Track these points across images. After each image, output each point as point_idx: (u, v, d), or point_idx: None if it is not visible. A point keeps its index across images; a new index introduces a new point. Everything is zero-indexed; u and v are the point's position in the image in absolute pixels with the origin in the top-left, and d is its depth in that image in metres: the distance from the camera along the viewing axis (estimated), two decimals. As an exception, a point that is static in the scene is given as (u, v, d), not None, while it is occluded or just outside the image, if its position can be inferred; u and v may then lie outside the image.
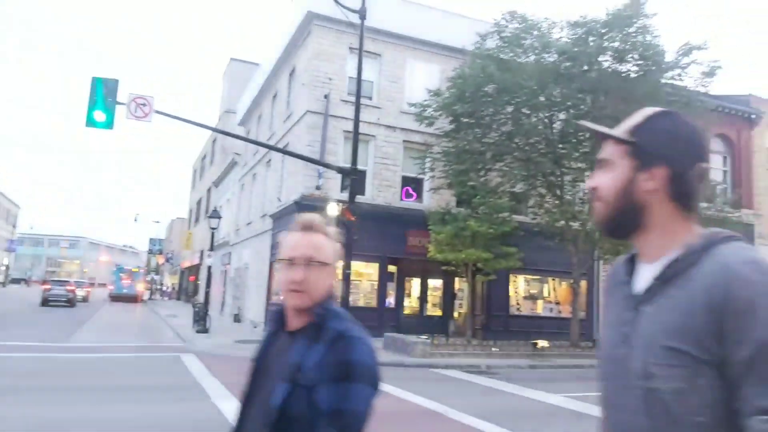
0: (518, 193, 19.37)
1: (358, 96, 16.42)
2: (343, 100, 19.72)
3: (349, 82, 19.88)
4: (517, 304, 21.96)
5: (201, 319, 20.26)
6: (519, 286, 22.14)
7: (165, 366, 12.83)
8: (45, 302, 33.56)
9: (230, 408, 8.08)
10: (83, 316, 26.87)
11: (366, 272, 20.40)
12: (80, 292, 39.44)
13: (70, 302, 34.33)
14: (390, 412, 8.57)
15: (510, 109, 17.12)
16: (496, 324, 20.37)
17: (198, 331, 19.81)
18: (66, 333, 18.48)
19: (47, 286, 35.70)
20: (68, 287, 35.34)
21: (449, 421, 8.23)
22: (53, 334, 17.45)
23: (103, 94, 13.07)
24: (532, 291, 22.48)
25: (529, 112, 17.04)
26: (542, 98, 16.49)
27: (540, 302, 22.27)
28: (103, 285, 60.87)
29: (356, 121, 16.29)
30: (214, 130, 20.61)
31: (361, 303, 19.94)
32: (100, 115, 13.10)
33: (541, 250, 19.37)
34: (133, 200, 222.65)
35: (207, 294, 22.44)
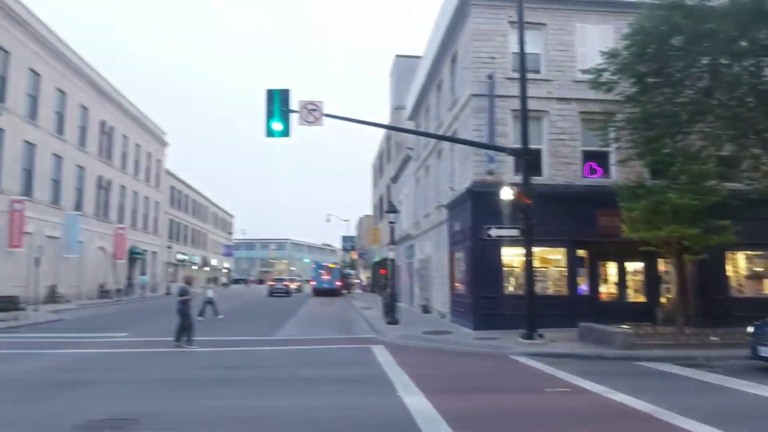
0: (727, 156, 16.69)
1: (522, 71, 15.49)
2: (508, 78, 18.79)
3: (512, 58, 18.90)
4: (739, 285, 18.99)
5: (390, 311, 20.90)
6: (739, 264, 19.13)
7: (355, 357, 13.36)
8: (271, 294, 49.37)
9: (416, 404, 8.01)
10: (293, 308, 29.71)
11: (552, 258, 19.26)
12: (293, 286, 58.73)
13: (287, 293, 50.51)
14: (588, 412, 7.82)
15: (705, 61, 14.74)
16: (715, 309, 17.79)
17: (388, 323, 20.46)
18: (274, 327, 20.37)
19: (272, 283, 54.30)
20: (285, 283, 54.17)
21: (661, 424, 7.20)
22: (263, 329, 19.31)
23: (278, 105, 13.99)
24: (756, 269, 19.30)
25: (729, 61, 14.52)
26: (744, 43, 13.94)
27: (768, 281, 19.07)
28: (308, 281, 67.08)
29: (523, 97, 15.37)
30: (379, 125, 21.08)
31: (550, 291, 18.90)
32: (277, 125, 14.07)
33: (764, 221, 16.49)
34: (324, 201, 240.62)
35: (392, 286, 23.11)
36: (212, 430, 6.85)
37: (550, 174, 18.87)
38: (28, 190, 31.54)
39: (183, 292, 14.78)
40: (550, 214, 17.20)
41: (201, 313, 22.81)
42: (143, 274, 51.37)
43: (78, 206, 37.83)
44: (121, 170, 46.05)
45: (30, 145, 31.65)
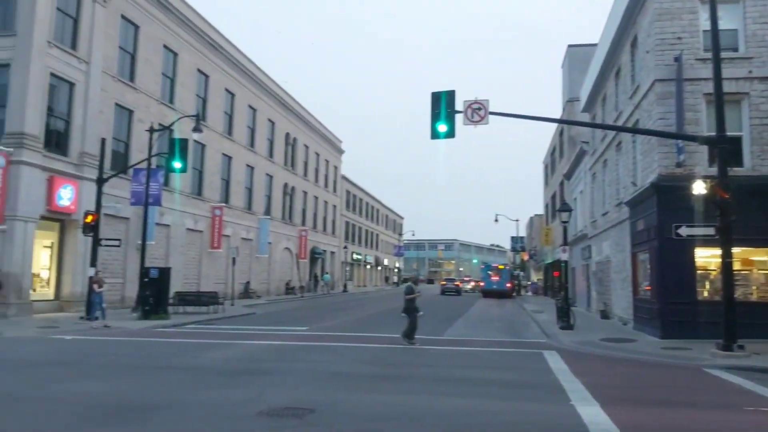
0: None
1: (716, 50, 13.66)
2: (699, 59, 16.70)
3: (703, 36, 16.76)
4: None
5: (564, 315, 19.82)
6: None
7: (525, 362, 12.82)
8: (442, 292, 55.07)
9: (591, 415, 7.40)
10: (462, 308, 29.69)
11: (756, 260, 16.73)
12: (470, 285, 67.37)
13: (458, 292, 56.19)
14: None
15: None
16: None
17: (561, 328, 19.41)
18: (442, 327, 20.45)
19: (443, 282, 62.41)
20: (455, 282, 61.77)
21: None
22: (431, 328, 19.47)
23: (444, 107, 13.98)
24: None
25: None
26: None
27: None
28: (477, 282, 67.19)
29: (717, 79, 13.54)
30: (550, 120, 19.98)
31: (754, 297, 16.45)
32: (443, 127, 14.07)
33: None
34: (492, 201, 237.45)
35: (566, 289, 21.86)
36: (380, 424, 6.97)
37: (752, 164, 16.40)
38: (225, 197, 35.59)
39: (409, 291, 14.91)
40: (752, 209, 14.98)
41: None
42: (326, 272, 55.22)
43: (267, 211, 41.81)
44: (303, 177, 49.94)
45: (227, 158, 35.71)
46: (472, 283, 68.92)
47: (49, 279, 22.80)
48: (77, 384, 9.22)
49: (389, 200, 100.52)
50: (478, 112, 14.02)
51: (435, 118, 14.15)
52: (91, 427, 6.66)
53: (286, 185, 45.82)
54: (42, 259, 22.52)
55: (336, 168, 60.88)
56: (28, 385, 9.15)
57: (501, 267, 55.23)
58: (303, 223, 49.90)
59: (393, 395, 8.72)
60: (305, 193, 50.58)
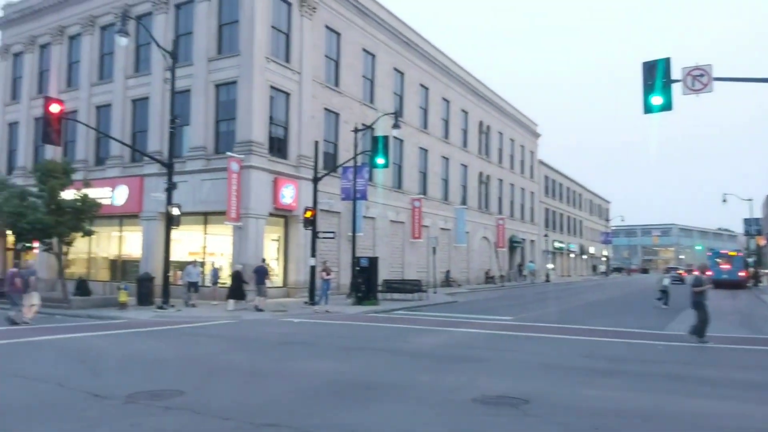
0: None
1: None
2: None
3: None
4: None
5: (819, 309, 16.64)
6: None
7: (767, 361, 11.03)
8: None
9: None
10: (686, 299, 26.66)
11: None
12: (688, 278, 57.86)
13: (682, 281, 46.42)
14: None
15: None
16: None
17: (817, 324, 16.34)
18: (663, 320, 18.57)
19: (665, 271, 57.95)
20: (678, 271, 55.38)
21: None
22: (650, 322, 17.80)
23: (660, 77, 12.56)
24: None
25: None
26: None
27: None
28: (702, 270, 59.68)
29: None
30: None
31: None
32: (657, 99, 12.66)
33: None
34: (717, 179, 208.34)
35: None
36: (606, 420, 6.52)
37: None
38: (423, 189, 36.66)
39: (697, 283, 13.83)
40: None
41: (664, 302, 23.04)
42: (530, 261, 54.04)
43: (463, 200, 42.12)
44: (498, 165, 49.28)
45: (423, 151, 36.72)
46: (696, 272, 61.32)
47: (277, 269, 25.76)
48: (306, 362, 10.21)
49: (593, 184, 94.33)
50: (700, 79, 12.32)
51: (648, 90, 12.79)
52: (323, 401, 7.30)
53: (481, 174, 45.66)
54: (271, 251, 25.51)
55: (532, 153, 58.95)
56: (267, 361, 10.40)
57: (733, 254, 48.28)
58: (500, 211, 49.29)
59: (614, 391, 8.11)
60: (501, 180, 49.86)
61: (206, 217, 24.75)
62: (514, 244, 51.53)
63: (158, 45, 21.04)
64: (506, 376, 9.11)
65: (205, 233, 25.14)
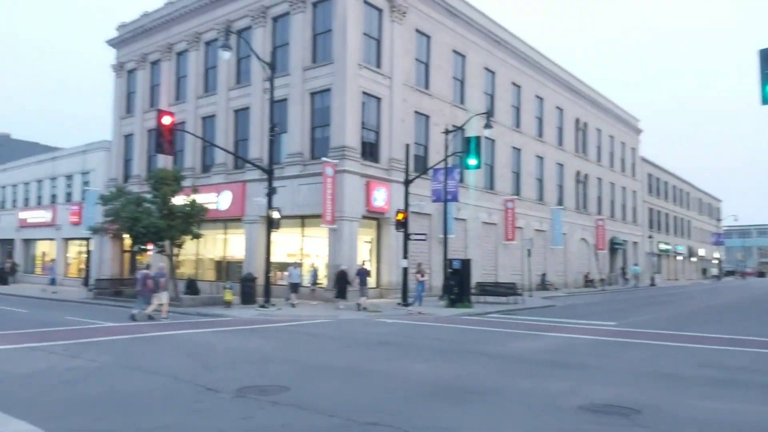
0: None
1: None
2: None
3: None
4: None
5: None
6: None
7: None
8: None
9: None
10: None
11: None
12: None
13: None
14: None
15: None
16: None
17: None
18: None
19: None
20: None
21: None
22: (771, 330, 16.33)
23: (779, 62, 11.47)
24: None
25: None
26: None
27: None
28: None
29: None
30: None
31: None
32: (777, 87, 11.56)
33: None
34: None
35: None
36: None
37: None
38: (516, 189, 35.82)
39: None
40: None
41: None
42: (635, 264, 51.33)
43: (559, 201, 40.69)
44: (596, 163, 47.17)
45: (516, 150, 35.89)
46: None
47: (370, 270, 26.14)
48: (403, 363, 10.25)
49: (702, 182, 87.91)
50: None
51: (766, 79, 11.72)
52: (423, 402, 7.30)
53: (578, 173, 43.92)
54: (364, 253, 25.94)
55: (633, 150, 55.90)
56: (364, 361, 10.54)
57: None
58: (599, 211, 47.14)
59: (734, 403, 7.47)
60: (600, 179, 47.68)
61: (303, 220, 25.61)
62: (615, 246, 49.09)
63: (258, 57, 22.06)
64: (613, 383, 8.66)
65: (303, 236, 26.02)
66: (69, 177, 39.92)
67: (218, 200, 27.87)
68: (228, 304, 20.90)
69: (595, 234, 45.43)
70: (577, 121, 44.29)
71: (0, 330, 14.52)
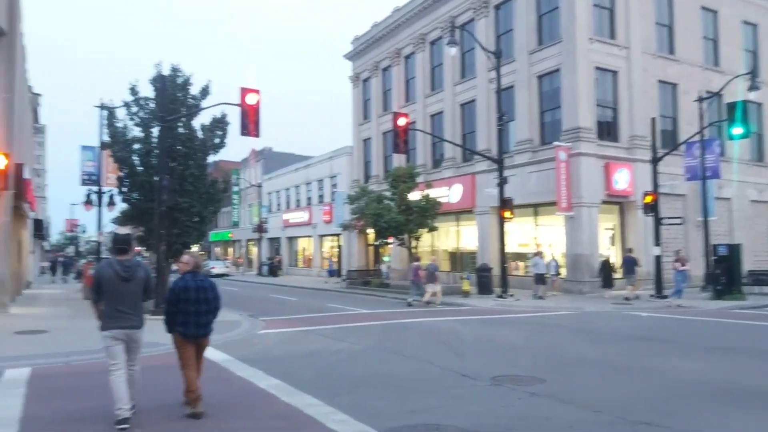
0: None
1: None
2: None
3: None
4: None
5: None
6: None
7: None
8: None
9: None
10: None
11: None
12: None
13: None
14: None
15: None
16: None
17: None
18: None
19: None
20: None
21: None
22: None
23: None
24: None
25: None
26: None
27: None
28: None
29: None
30: None
31: None
32: None
33: None
34: None
35: None
36: None
37: None
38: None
39: None
40: None
41: None
42: None
43: None
44: None
45: (792, 113, 29.90)
46: None
47: (614, 259, 24.23)
48: (666, 360, 9.19)
49: None
50: None
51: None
52: (702, 404, 6.41)
53: None
54: (604, 241, 24.13)
55: None
56: (618, 356, 9.69)
57: None
58: None
59: None
60: None
61: (535, 208, 24.87)
62: None
63: (483, 47, 22.03)
64: None
65: (536, 224, 25.28)
66: (320, 181, 44.93)
67: (449, 193, 28.60)
68: (466, 294, 21.28)
69: None
70: None
71: (279, 315, 16.88)
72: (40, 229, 34.25)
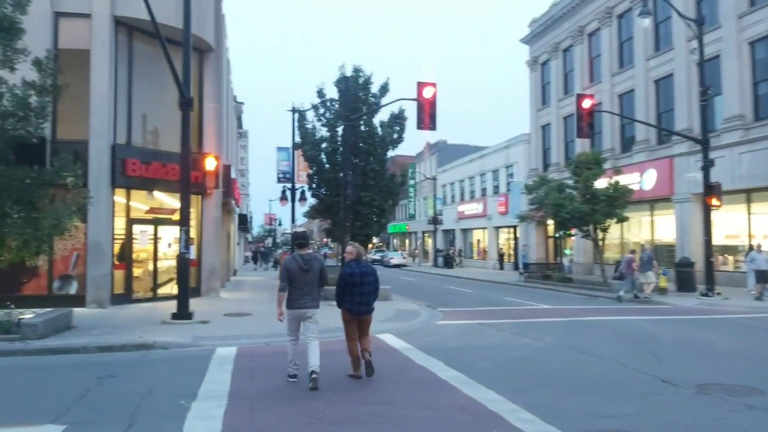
0: None
1: None
2: None
3: None
4: None
5: None
6: None
7: None
8: None
9: None
10: None
11: None
12: None
13: None
14: None
15: None
16: None
17: None
18: None
19: None
20: None
21: None
22: None
23: None
24: None
25: None
26: None
27: None
28: None
29: None
30: None
31: None
32: None
33: None
34: None
35: None
36: None
37: None
38: None
39: None
40: None
41: None
42: None
43: None
44: None
45: None
46: None
47: None
48: None
49: None
50: None
51: None
52: None
53: None
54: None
55: None
56: None
57: None
58: None
59: None
60: None
61: (748, 194, 21.61)
62: None
63: (681, 15, 19.63)
64: None
65: (749, 212, 21.96)
66: (495, 171, 44.09)
67: (641, 180, 26.09)
68: (662, 291, 19.23)
69: None
70: None
71: (457, 307, 16.88)
72: (244, 222, 38.61)
